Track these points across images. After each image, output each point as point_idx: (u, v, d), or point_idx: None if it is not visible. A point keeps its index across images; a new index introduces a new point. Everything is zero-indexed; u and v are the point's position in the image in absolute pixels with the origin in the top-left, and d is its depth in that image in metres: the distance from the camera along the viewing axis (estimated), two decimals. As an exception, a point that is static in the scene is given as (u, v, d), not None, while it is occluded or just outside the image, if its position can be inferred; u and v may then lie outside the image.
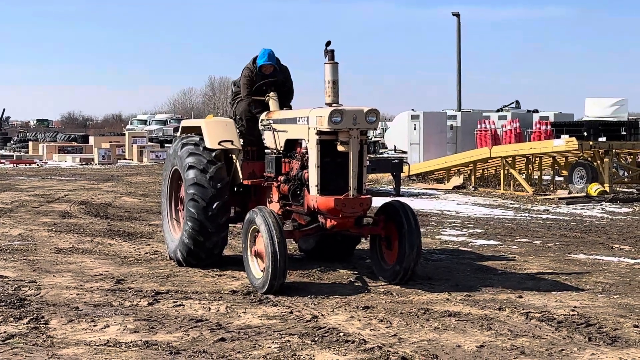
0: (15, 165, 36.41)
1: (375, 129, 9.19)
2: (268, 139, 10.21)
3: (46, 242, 12.50)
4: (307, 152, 9.10)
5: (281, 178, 9.63)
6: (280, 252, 8.35)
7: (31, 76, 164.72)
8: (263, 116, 10.27)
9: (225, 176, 10.01)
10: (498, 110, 35.88)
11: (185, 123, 11.64)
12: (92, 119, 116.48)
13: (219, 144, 10.04)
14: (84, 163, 37.52)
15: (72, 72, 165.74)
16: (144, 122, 69.37)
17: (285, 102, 10.63)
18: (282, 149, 9.79)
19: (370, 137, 31.40)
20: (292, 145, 9.73)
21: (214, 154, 10.02)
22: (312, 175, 8.83)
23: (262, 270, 8.78)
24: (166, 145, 50.45)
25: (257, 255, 8.84)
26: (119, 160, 39.81)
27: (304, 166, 9.17)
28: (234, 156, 10.35)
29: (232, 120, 10.65)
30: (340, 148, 8.63)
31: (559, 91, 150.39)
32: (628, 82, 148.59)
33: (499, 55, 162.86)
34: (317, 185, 8.74)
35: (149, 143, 45.82)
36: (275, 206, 9.78)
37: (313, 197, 8.78)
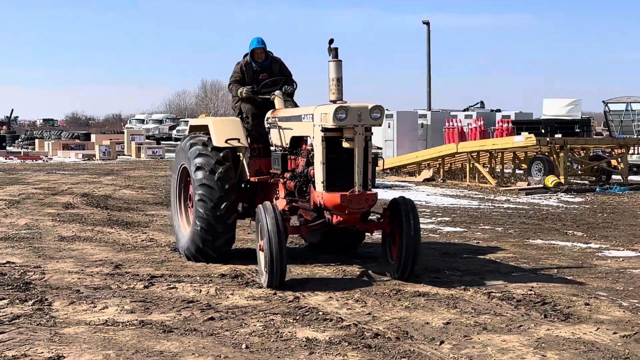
0: (22, 161, 36.22)
1: (380, 125, 8.31)
2: (274, 136, 9.58)
3: (50, 230, 12.45)
4: (312, 149, 8.57)
5: (287, 175, 9.07)
6: (276, 250, 7.90)
7: (38, 78, 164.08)
8: (269, 114, 9.69)
9: (233, 176, 9.48)
10: (464, 110, 35.99)
11: (193, 122, 11.05)
12: (94, 118, 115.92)
13: (225, 142, 9.52)
14: (86, 159, 37.36)
15: (75, 75, 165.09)
16: (142, 121, 69.28)
17: (288, 95, 10.04)
18: (287, 146, 9.23)
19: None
20: (298, 142, 9.22)
21: (221, 154, 9.46)
22: (318, 171, 8.27)
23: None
24: (162, 142, 50.39)
25: (262, 249, 8.31)
26: (118, 156, 39.63)
27: (310, 163, 8.63)
28: (240, 154, 9.81)
29: (239, 118, 10.06)
30: (345, 144, 8.07)
31: (519, 92, 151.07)
32: (582, 83, 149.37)
33: (466, 59, 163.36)
34: (322, 182, 8.19)
35: (146, 140, 45.65)
36: (281, 202, 9.17)
37: (319, 193, 8.21)
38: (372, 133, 8.34)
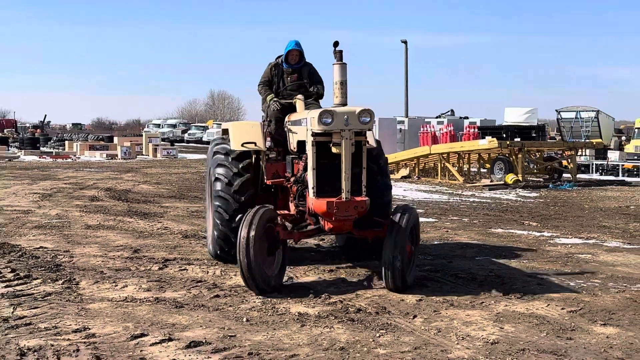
0: (54, 159, 36.02)
1: (370, 129, 7.23)
2: (288, 140, 8.35)
3: (78, 220, 12.41)
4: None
5: (292, 179, 7.96)
6: (245, 255, 6.76)
7: (68, 87, 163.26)
8: (287, 118, 8.39)
9: (250, 188, 8.24)
10: (437, 117, 35.94)
11: (224, 125, 9.26)
12: (116, 123, 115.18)
13: (242, 145, 8.27)
14: (109, 158, 37.18)
15: (100, 84, 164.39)
16: (158, 125, 69.01)
17: (314, 101, 8.62)
18: (295, 149, 8.03)
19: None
20: (302, 146, 7.70)
21: (241, 165, 8.28)
22: (310, 177, 7.13)
23: None
24: (175, 144, 50.16)
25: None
26: (137, 156, 39.45)
27: (307, 168, 7.38)
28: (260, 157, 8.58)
29: (259, 122, 8.90)
30: (334, 150, 6.90)
31: (484, 102, 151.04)
32: (538, 94, 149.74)
33: (438, 72, 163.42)
34: (313, 187, 7.06)
35: (162, 142, 45.43)
36: (292, 206, 8.03)
37: (311, 199, 7.11)
38: (365, 137, 7.15)
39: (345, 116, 6.84)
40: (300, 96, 8.44)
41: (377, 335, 5.69)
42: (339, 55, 7.45)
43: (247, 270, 6.80)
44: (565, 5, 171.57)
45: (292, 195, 8.04)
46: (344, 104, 7.39)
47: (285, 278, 7.65)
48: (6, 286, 7.15)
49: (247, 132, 8.54)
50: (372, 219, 7.50)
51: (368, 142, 7.63)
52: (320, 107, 8.14)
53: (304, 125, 7.49)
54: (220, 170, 8.32)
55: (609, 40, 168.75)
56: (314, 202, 7.00)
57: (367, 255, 8.40)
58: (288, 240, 7.68)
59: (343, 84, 7.41)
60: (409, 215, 7.16)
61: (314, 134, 7.03)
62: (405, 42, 42.77)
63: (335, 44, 7.46)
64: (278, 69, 8.77)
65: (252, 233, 6.76)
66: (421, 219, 13.33)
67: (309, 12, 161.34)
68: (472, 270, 8.35)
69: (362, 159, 7.05)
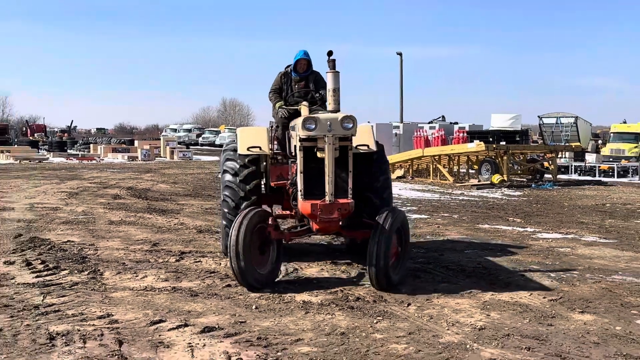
0: (80, 161, 36.09)
1: (354, 135, 6.87)
2: (288, 145, 8.07)
3: (102, 216, 12.43)
4: None
5: (288, 182, 7.88)
6: (235, 256, 6.56)
7: (93, 95, 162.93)
8: (291, 123, 7.94)
9: (255, 179, 8.02)
10: (429, 122, 35.97)
11: (239, 130, 8.74)
12: (136, 127, 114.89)
13: (247, 149, 8.06)
14: (130, 159, 37.21)
15: (123, 92, 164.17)
16: (175, 130, 69.01)
17: (320, 107, 8.19)
18: (292, 154, 7.71)
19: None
20: None
21: (247, 159, 8.09)
22: (298, 180, 6.95)
23: None
24: (190, 147, 50.20)
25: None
26: (156, 158, 39.49)
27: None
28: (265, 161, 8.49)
29: (267, 127, 8.63)
30: (319, 154, 6.75)
31: (472, 108, 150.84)
32: (521, 102, 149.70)
33: (430, 81, 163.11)
34: (301, 190, 6.89)
35: (178, 145, 45.46)
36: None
37: (299, 201, 6.94)
38: (350, 143, 6.87)
39: (328, 122, 6.65)
40: (305, 103, 8.16)
41: (375, 321, 5.69)
42: (332, 63, 7.21)
43: (238, 271, 6.61)
44: (546, 22, 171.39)
45: (287, 196, 7.95)
46: (337, 110, 7.10)
47: (291, 269, 7.66)
48: (37, 276, 7.18)
49: (253, 137, 8.40)
50: (362, 220, 7.25)
51: (368, 146, 7.49)
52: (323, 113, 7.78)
53: (294, 131, 7.32)
54: (228, 163, 8.22)
55: (587, 53, 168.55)
56: (301, 204, 6.86)
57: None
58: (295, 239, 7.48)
59: (336, 91, 7.13)
60: (393, 216, 6.76)
61: (301, 139, 6.85)
62: (400, 54, 42.79)
63: (329, 53, 7.24)
64: (287, 77, 8.54)
65: (241, 236, 6.53)
66: (414, 216, 13.41)
67: (314, 26, 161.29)
68: (462, 262, 8.35)
69: (348, 163, 6.82)
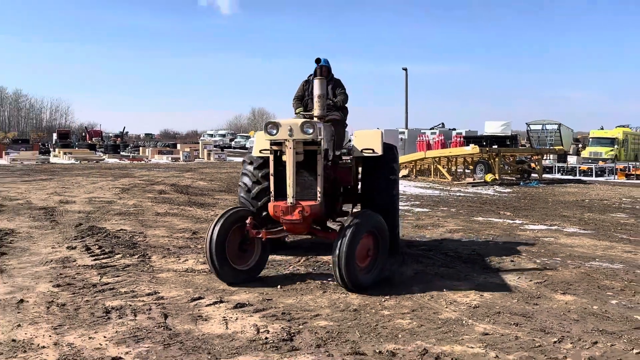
0: (131, 161, 36.39)
1: (315, 139, 5.97)
2: None
3: (149, 208, 12.51)
4: None
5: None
6: (209, 250, 6.09)
7: (142, 105, 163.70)
8: None
9: (267, 168, 7.09)
10: (431, 129, 35.80)
11: (255, 134, 8.26)
12: (179, 133, 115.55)
13: (260, 152, 7.45)
14: (173, 160, 37.48)
15: (167, 102, 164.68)
16: (211, 135, 69.31)
17: (330, 114, 7.38)
18: None
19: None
20: None
21: (260, 173, 7.41)
22: (271, 182, 6.32)
23: None
24: (224, 149, 50.35)
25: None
26: (195, 159, 39.71)
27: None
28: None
29: None
30: (283, 158, 6.12)
31: (468, 116, 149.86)
32: (511, 110, 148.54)
33: (432, 93, 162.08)
34: (271, 192, 6.29)
35: (214, 148, 45.68)
36: None
37: (270, 203, 6.27)
38: (318, 147, 6.09)
39: (289, 127, 5.98)
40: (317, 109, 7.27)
41: (383, 300, 5.68)
42: (319, 71, 6.62)
43: (210, 262, 6.12)
44: (533, 41, 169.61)
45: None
46: (323, 116, 6.64)
47: (311, 256, 7.64)
48: (95, 259, 7.26)
49: (265, 141, 7.55)
50: (335, 222, 6.46)
51: (373, 150, 7.09)
52: (338, 117, 7.53)
53: None
54: (246, 157, 7.77)
55: (569, 67, 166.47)
56: (269, 206, 6.21)
57: None
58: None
59: (321, 97, 6.63)
60: (362, 219, 5.94)
61: (272, 143, 6.24)
62: (405, 70, 42.66)
63: (317, 60, 6.69)
64: (309, 84, 7.91)
65: (215, 236, 6.06)
66: (417, 209, 13.36)
67: (330, 44, 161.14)
68: (458, 249, 8.31)
69: (316, 167, 6.11)
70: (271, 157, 6.28)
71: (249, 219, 6.29)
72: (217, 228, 6.11)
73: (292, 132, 5.95)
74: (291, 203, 5.99)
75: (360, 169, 7.59)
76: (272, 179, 6.29)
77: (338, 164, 7.37)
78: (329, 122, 7.07)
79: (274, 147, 6.22)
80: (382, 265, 6.21)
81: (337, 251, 5.70)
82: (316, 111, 6.63)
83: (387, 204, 7.13)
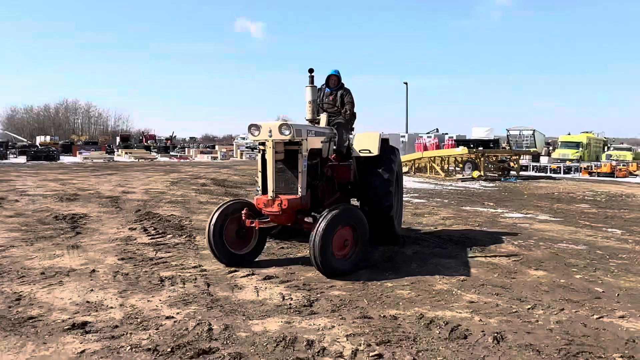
0: (178, 160, 36.67)
1: (292, 139, 5.57)
2: None
3: (194, 198, 12.57)
4: None
5: None
6: (207, 236, 5.81)
7: (187, 113, 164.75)
8: None
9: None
10: (427, 133, 35.51)
11: None
12: (217, 136, 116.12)
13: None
14: (213, 159, 37.68)
15: (208, 110, 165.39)
16: (243, 138, 69.31)
17: (336, 118, 7.13)
18: None
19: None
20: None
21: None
22: (258, 177, 6.12)
23: None
24: (254, 149, 50.52)
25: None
26: (230, 158, 39.91)
27: None
28: None
29: None
30: (266, 156, 5.81)
31: (458, 122, 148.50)
32: (495, 118, 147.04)
33: (427, 102, 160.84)
34: (259, 187, 6.08)
35: (246, 149, 45.83)
36: None
37: (256, 196, 5.97)
38: (299, 147, 5.70)
39: (269, 129, 5.61)
40: (323, 114, 7.04)
41: (386, 274, 5.68)
42: (310, 79, 6.35)
43: (209, 246, 5.84)
44: (513, 58, 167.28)
45: None
46: (313, 120, 6.34)
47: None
48: (151, 239, 7.33)
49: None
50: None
51: (370, 150, 6.70)
52: (342, 121, 7.11)
53: None
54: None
55: (540, 81, 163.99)
56: (254, 198, 5.85)
57: (378, 240, 6.98)
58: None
59: (311, 102, 6.34)
60: (337, 211, 5.44)
61: (259, 143, 5.90)
62: (406, 83, 42.34)
63: (310, 70, 6.38)
64: (322, 91, 7.42)
65: (212, 223, 5.79)
66: (416, 200, 13.30)
67: (343, 61, 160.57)
68: (450, 233, 8.26)
69: (297, 164, 5.74)
70: (259, 156, 6.04)
71: (244, 209, 5.91)
72: (215, 217, 5.83)
73: (272, 133, 5.60)
74: (271, 197, 5.64)
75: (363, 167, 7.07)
76: (259, 174, 6.07)
77: (337, 162, 6.94)
78: (335, 125, 6.85)
79: (261, 147, 5.95)
80: (362, 254, 5.71)
81: (311, 242, 5.30)
82: (308, 115, 6.34)
83: (382, 199, 6.63)
